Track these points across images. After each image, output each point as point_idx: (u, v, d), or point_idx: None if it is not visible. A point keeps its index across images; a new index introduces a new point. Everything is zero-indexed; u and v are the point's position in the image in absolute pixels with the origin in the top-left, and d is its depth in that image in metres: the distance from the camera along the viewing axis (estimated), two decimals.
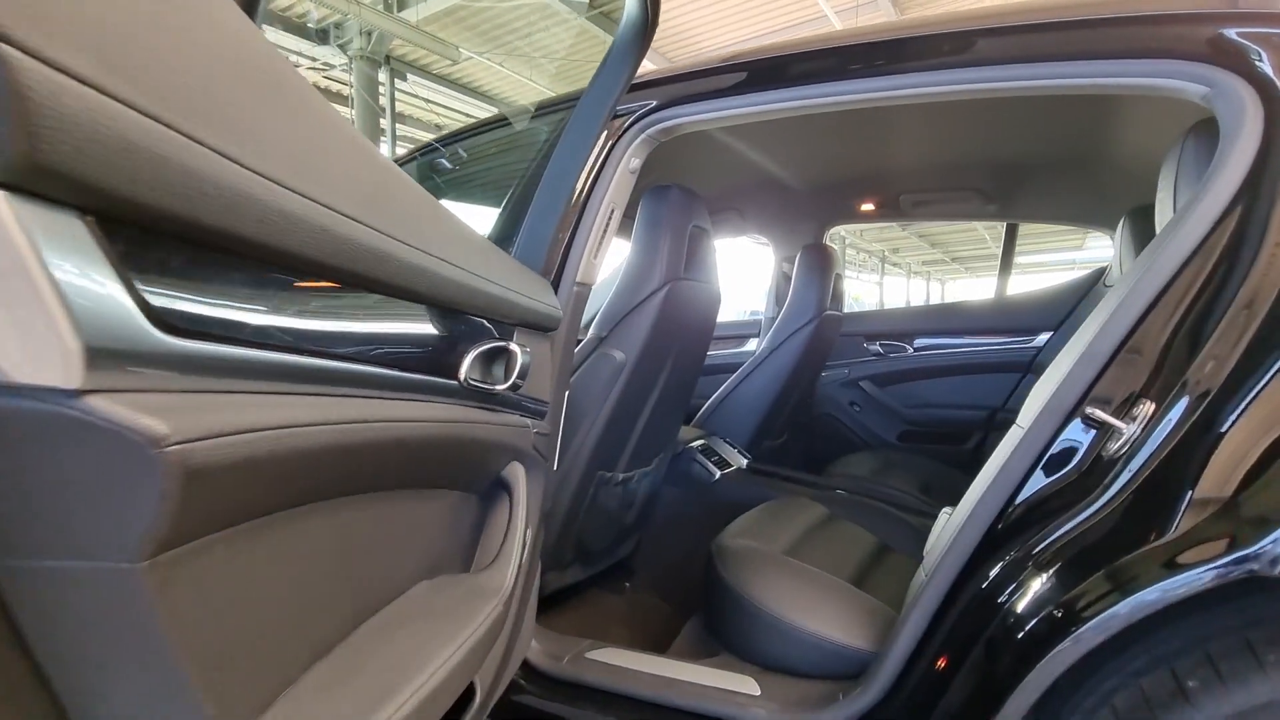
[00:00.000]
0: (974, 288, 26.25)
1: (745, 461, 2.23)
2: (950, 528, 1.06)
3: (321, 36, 7.12)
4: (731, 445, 2.28)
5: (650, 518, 2.04)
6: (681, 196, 1.58)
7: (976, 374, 2.60)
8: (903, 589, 1.49)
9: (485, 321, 0.93)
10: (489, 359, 0.92)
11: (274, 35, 6.90)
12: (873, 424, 2.77)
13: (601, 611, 1.90)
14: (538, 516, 1.13)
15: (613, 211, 1.35)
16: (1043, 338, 2.48)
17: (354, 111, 7.07)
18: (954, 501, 2.22)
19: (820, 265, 2.35)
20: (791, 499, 1.84)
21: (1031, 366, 2.50)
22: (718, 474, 2.08)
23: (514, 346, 0.93)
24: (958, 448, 2.64)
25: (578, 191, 1.29)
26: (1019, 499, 0.96)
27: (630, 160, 1.35)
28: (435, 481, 0.88)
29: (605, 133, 1.32)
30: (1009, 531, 0.97)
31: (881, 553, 1.65)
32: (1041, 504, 0.95)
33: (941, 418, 2.65)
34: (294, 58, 7.28)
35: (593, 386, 1.52)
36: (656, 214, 1.56)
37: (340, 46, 7.18)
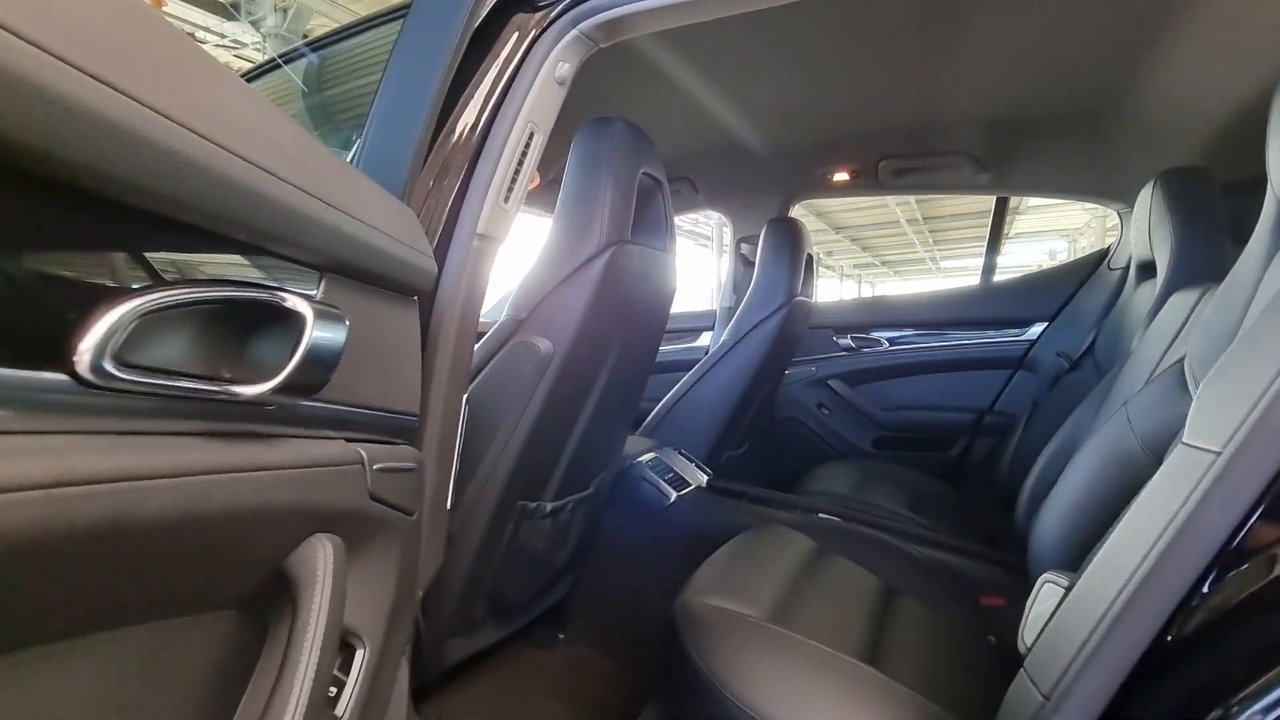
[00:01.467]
0: (903, 289, 26.80)
1: (705, 478, 1.80)
2: (1082, 611, 0.63)
3: (231, 11, 6.40)
4: (688, 459, 1.85)
5: (590, 553, 1.59)
6: (628, 133, 1.14)
7: (961, 371, 2.25)
8: (930, 653, 1.08)
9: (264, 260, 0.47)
10: (246, 332, 0.45)
11: (177, 7, 6.14)
12: (844, 429, 2.39)
13: (527, 676, 1.43)
14: (383, 625, 0.65)
15: (531, 136, 0.90)
16: (1036, 329, 2.14)
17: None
18: (946, 520, 1.85)
19: (790, 241, 1.94)
20: (768, 530, 1.41)
21: (1024, 362, 2.15)
22: (673, 495, 1.64)
23: (298, 303, 0.46)
24: (941, 455, 2.28)
25: (480, 109, 0.85)
26: (1228, 566, 0.55)
27: (557, 66, 0.91)
28: (121, 608, 0.41)
29: (518, 31, 0.89)
30: (1217, 621, 0.56)
31: (889, 600, 1.24)
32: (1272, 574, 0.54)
33: (922, 421, 2.29)
34: (200, 34, 6.53)
35: (508, 389, 1.06)
36: (595, 154, 1.11)
37: (253, 23, 6.48)
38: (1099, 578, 0.62)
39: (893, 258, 19.04)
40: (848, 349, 2.40)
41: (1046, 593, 0.71)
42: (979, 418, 2.21)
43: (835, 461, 2.17)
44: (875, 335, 2.36)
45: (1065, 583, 0.69)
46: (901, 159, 2.00)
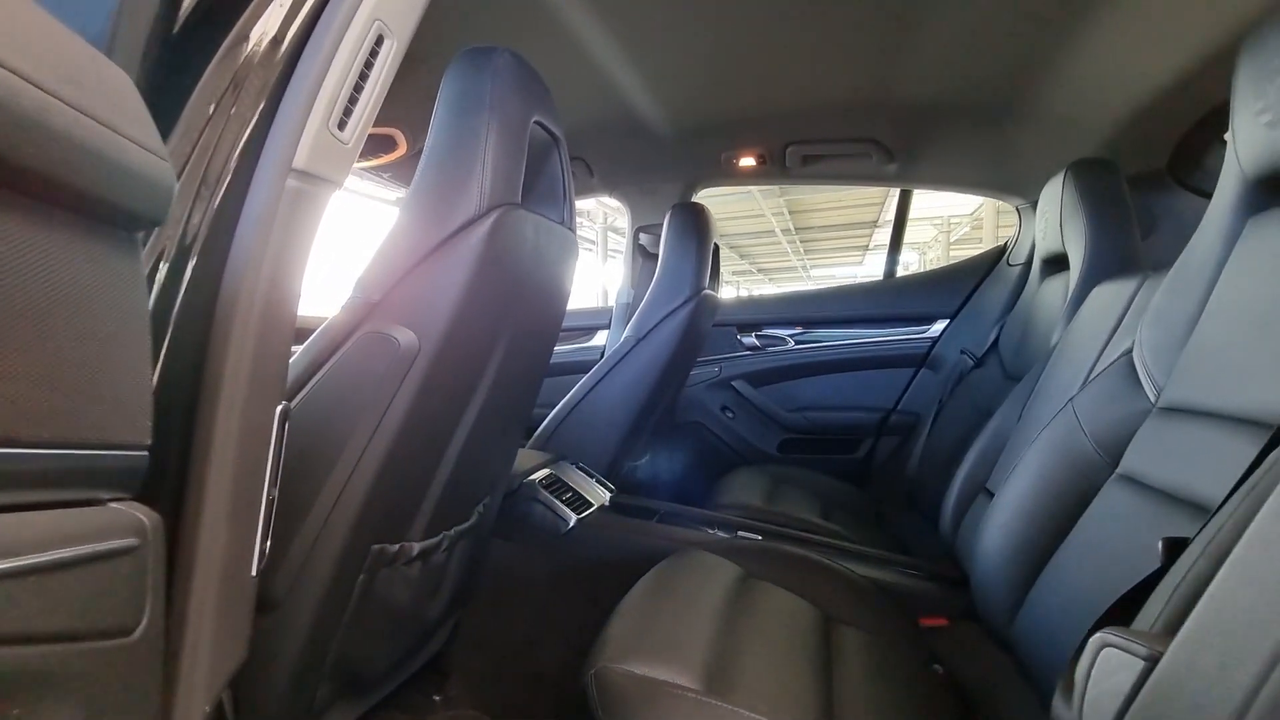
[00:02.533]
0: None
1: (608, 496, 1.56)
2: (1194, 701, 0.42)
3: None
4: (588, 473, 1.60)
5: (473, 592, 1.30)
6: (516, 67, 0.87)
7: (865, 370, 2.14)
8: (884, 699, 0.90)
9: None
10: None
11: None
12: (748, 433, 2.23)
13: None
14: None
15: (380, 41, 0.62)
16: (938, 326, 2.08)
17: None
18: (862, 528, 1.72)
19: (696, 229, 1.75)
20: (687, 558, 1.19)
21: (928, 360, 2.08)
22: (572, 519, 1.39)
23: None
24: (847, 457, 2.17)
25: None
26: None
27: None
28: None
29: None
30: None
31: (829, 632, 1.06)
32: None
33: (827, 422, 2.16)
34: None
35: (354, 395, 0.77)
36: (473, 90, 0.84)
37: None
38: (1214, 652, 0.43)
39: (768, 265, 19.72)
40: (752, 348, 2.24)
41: (1113, 663, 0.52)
42: (884, 417, 2.11)
43: (743, 469, 2.00)
44: (779, 333, 2.22)
45: (1142, 651, 0.49)
46: (809, 145, 1.86)
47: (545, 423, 1.71)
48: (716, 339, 2.25)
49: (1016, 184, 1.86)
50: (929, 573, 1.36)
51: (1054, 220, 1.53)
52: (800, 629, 1.02)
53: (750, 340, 2.24)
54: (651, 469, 2.07)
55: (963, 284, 2.05)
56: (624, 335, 1.73)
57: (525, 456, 1.57)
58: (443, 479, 0.93)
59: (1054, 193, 1.54)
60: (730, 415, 2.25)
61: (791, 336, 2.21)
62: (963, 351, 1.90)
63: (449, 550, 1.05)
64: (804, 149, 1.87)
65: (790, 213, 12.83)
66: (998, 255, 2.02)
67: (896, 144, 1.81)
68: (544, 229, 0.93)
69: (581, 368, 1.84)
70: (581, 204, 8.50)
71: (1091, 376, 1.11)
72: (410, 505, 0.91)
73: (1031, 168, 1.77)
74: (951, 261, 2.12)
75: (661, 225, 1.78)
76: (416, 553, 0.95)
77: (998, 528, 1.08)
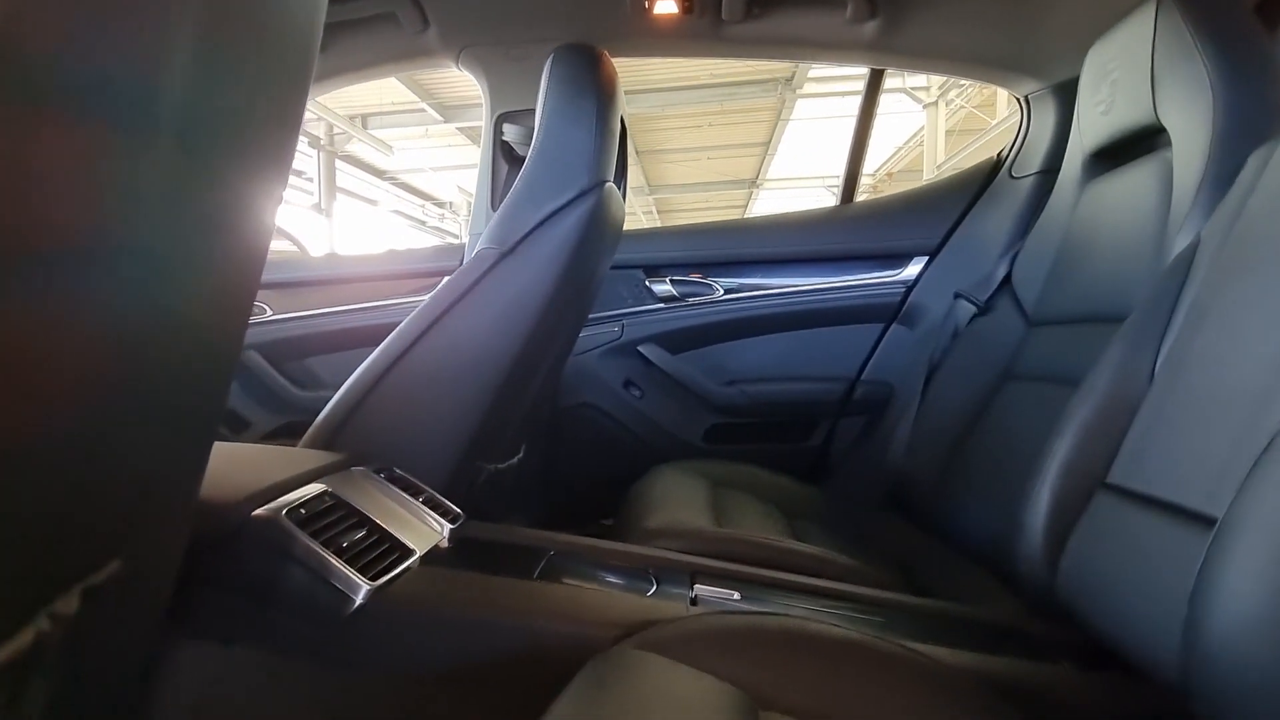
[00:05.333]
0: None
1: (449, 529, 0.81)
2: None
3: None
4: (407, 489, 0.85)
5: None
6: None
7: (820, 327, 1.53)
8: None
9: None
10: None
11: None
12: (664, 417, 1.54)
13: None
14: None
15: None
16: (913, 268, 1.50)
17: None
18: (860, 554, 1.08)
19: (592, 82, 1.04)
20: (625, 664, 0.48)
21: (901, 313, 1.50)
22: (363, 590, 0.63)
23: None
24: (798, 445, 1.55)
25: None
26: None
27: None
28: None
29: None
30: None
31: None
32: None
33: (771, 398, 1.53)
34: None
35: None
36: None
37: None
38: None
39: None
40: (667, 299, 1.56)
41: None
42: (848, 390, 1.50)
43: (663, 470, 1.30)
44: (705, 279, 1.55)
45: None
46: None
47: (333, 404, 0.93)
48: (615, 285, 1.55)
49: (1033, 59, 1.32)
50: (1040, 643, 0.75)
51: (1135, 82, 0.99)
52: None
53: (664, 288, 1.55)
54: (525, 476, 1.32)
55: (945, 210, 1.49)
56: (475, 252, 0.99)
57: (289, 460, 0.80)
58: None
59: (1131, 44, 1.00)
60: (638, 394, 1.55)
61: (720, 283, 1.55)
62: (958, 296, 1.33)
63: None
64: None
65: (659, 212, 12.45)
66: (991, 169, 1.47)
67: None
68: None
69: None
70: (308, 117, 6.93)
71: None
72: None
73: (1056, 34, 1.23)
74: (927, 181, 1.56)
75: (534, 112, 1.06)
76: None
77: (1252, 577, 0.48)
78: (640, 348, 1.54)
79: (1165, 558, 0.67)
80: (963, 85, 7.28)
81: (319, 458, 0.83)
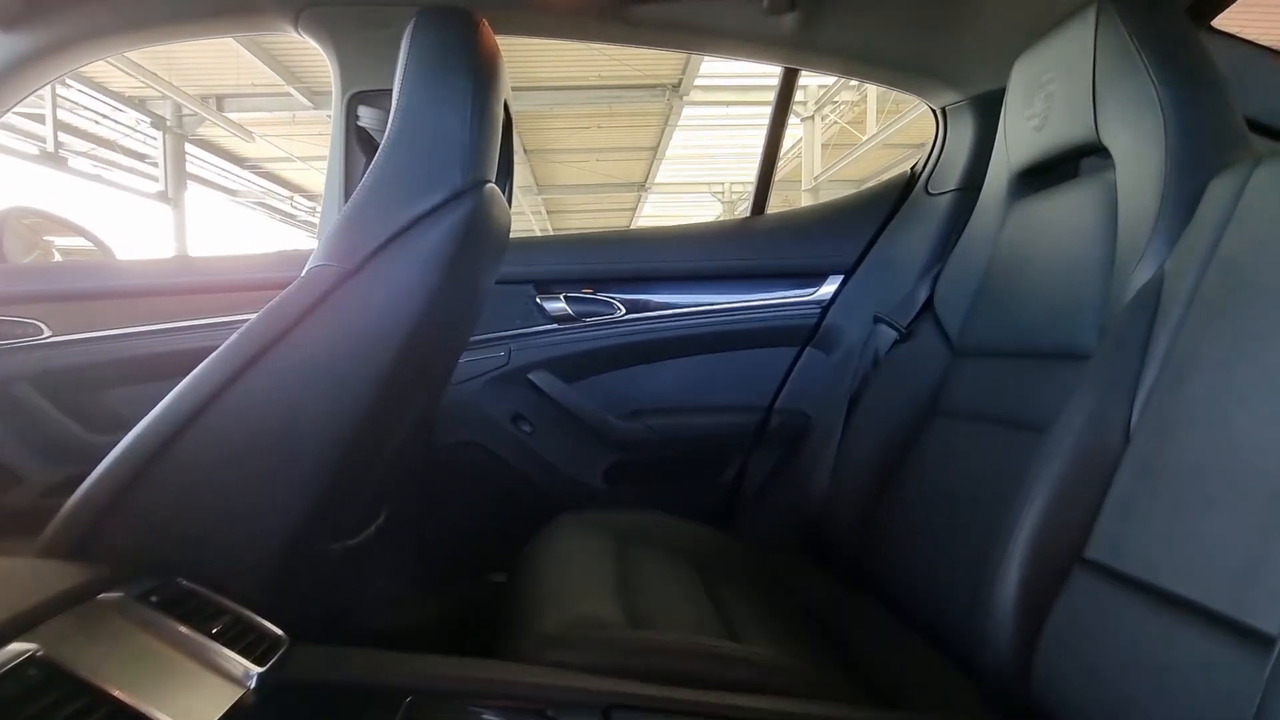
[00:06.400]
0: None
1: (256, 674, 0.56)
2: None
3: None
4: (208, 613, 0.59)
5: None
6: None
7: (730, 351, 1.37)
8: None
9: None
10: None
11: None
12: (559, 455, 1.32)
13: None
14: None
15: None
16: (829, 287, 1.38)
17: None
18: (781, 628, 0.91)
19: (471, 54, 0.80)
20: None
21: (817, 335, 1.37)
22: None
23: None
24: (708, 484, 1.38)
25: None
26: None
27: None
28: None
29: None
30: None
31: None
32: None
33: (678, 431, 1.34)
34: None
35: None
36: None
37: None
38: None
39: None
40: (561, 319, 1.34)
41: None
42: (762, 421, 1.35)
43: (560, 525, 1.08)
44: (604, 296, 1.35)
45: None
46: None
47: (87, 486, 0.64)
48: (501, 303, 1.32)
49: (953, 68, 1.21)
50: None
51: (1074, 96, 0.89)
52: None
53: (557, 306, 1.33)
54: (388, 541, 1.06)
55: (860, 226, 1.37)
56: (306, 270, 0.73)
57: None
58: None
59: (1069, 54, 0.90)
60: (528, 429, 1.32)
61: (622, 300, 1.35)
62: (878, 320, 1.21)
63: None
64: None
65: (548, 213, 12.15)
66: (905, 184, 1.37)
67: None
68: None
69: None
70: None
71: None
72: None
73: (980, 44, 1.14)
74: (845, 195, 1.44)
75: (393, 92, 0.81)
76: None
77: None
78: (530, 375, 1.31)
79: (1189, 671, 0.54)
80: (837, 101, 7.56)
81: (48, 579, 0.55)
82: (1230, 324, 0.63)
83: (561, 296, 1.33)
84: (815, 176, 8.10)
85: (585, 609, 0.78)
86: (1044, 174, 1.02)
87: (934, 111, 1.32)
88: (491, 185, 0.83)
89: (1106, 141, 0.86)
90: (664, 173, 9.77)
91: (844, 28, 1.14)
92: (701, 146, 8.62)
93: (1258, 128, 0.81)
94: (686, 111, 7.36)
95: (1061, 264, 0.91)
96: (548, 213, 12.01)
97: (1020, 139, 1.00)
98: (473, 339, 1.31)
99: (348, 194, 1.17)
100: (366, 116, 1.13)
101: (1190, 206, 0.75)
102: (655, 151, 8.84)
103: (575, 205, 11.79)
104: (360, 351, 0.72)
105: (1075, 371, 0.82)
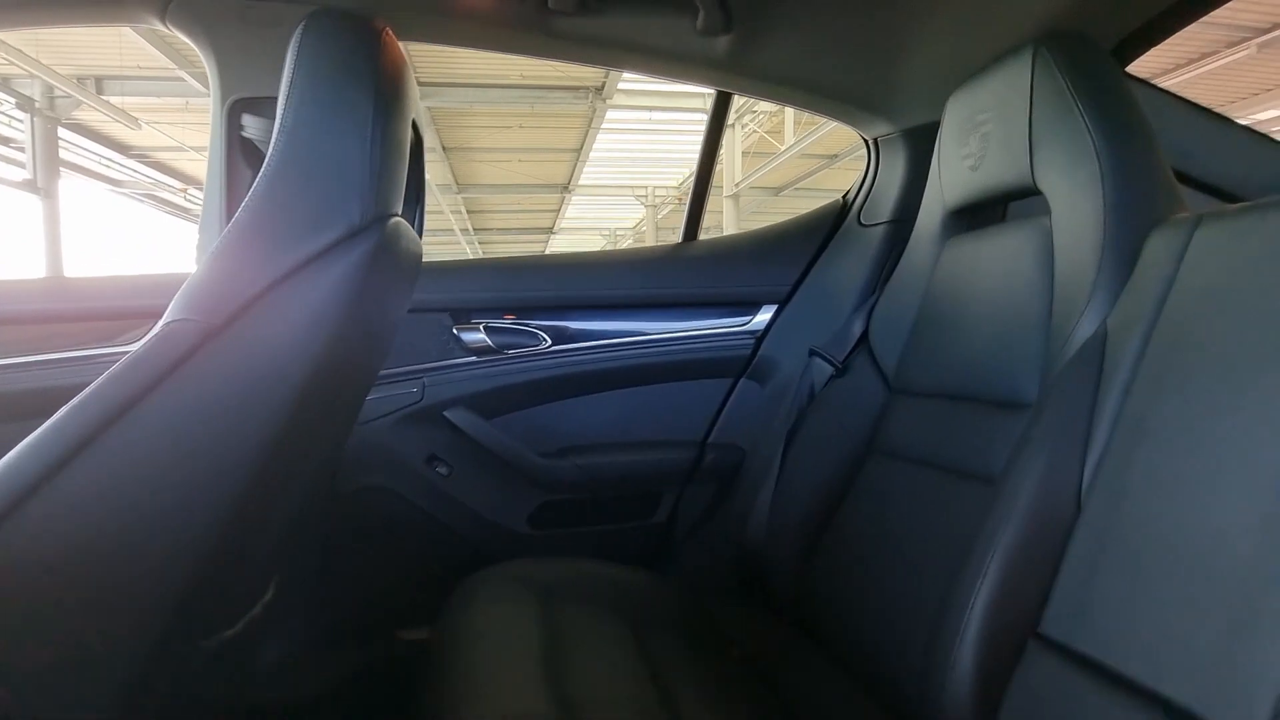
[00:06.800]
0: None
1: None
2: None
3: None
4: None
5: None
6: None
7: (661, 383, 1.30)
8: None
9: None
10: None
11: None
12: (480, 499, 1.21)
13: None
14: None
15: None
16: (763, 316, 1.33)
17: None
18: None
19: (371, 67, 0.69)
20: None
21: (751, 366, 1.32)
22: None
23: None
24: (640, 524, 1.30)
25: None
26: None
27: None
28: None
29: None
30: None
31: None
32: None
33: (608, 470, 1.26)
34: None
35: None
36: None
37: None
38: None
39: None
40: (479, 351, 1.23)
41: None
42: (696, 457, 1.29)
43: (480, 582, 0.97)
44: (528, 325, 1.25)
45: None
46: None
47: None
48: (414, 334, 1.19)
49: (887, 100, 1.19)
50: None
51: (1010, 139, 0.87)
52: None
53: (476, 337, 1.22)
54: (284, 605, 0.92)
55: (793, 254, 1.33)
56: (161, 325, 0.60)
57: None
58: None
59: (1006, 95, 0.88)
60: (444, 471, 1.21)
61: (546, 330, 1.26)
62: (813, 353, 1.17)
63: None
64: None
65: (468, 212, 11.77)
66: (838, 213, 1.34)
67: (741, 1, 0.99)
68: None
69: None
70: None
71: None
72: None
73: (915, 76, 1.11)
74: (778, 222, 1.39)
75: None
76: None
77: None
78: (447, 412, 1.20)
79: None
80: (757, 111, 7.69)
81: None
82: (1180, 392, 0.61)
83: (481, 326, 1.22)
84: (736, 183, 8.22)
85: (510, 705, 0.68)
86: (978, 214, 1.01)
87: (866, 141, 1.30)
88: (397, 219, 0.72)
89: (1042, 187, 0.84)
90: (587, 175, 9.66)
91: (779, 55, 1.09)
92: (625, 150, 8.57)
93: (1179, 177, 0.81)
94: (610, 114, 7.28)
95: (998, 309, 0.89)
96: (468, 212, 11.65)
97: (955, 177, 0.98)
98: (382, 373, 1.18)
99: (229, 215, 1.02)
100: (253, 127, 0.99)
101: (1130, 260, 0.73)
102: (579, 153, 8.72)
103: (496, 205, 11.49)
104: (231, 421, 0.60)
105: (1017, 421, 0.80)
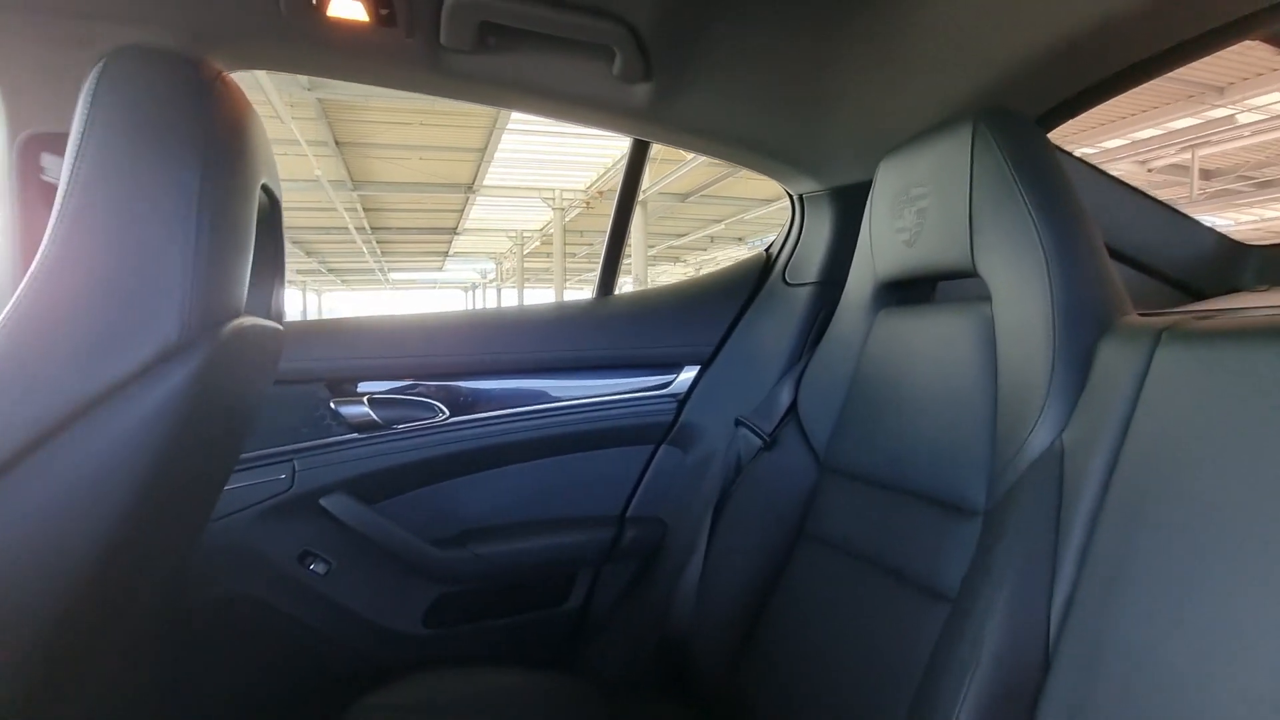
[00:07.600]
0: (353, 300, 24.96)
1: None
2: None
3: None
4: None
5: None
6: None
7: (576, 452, 1.17)
8: None
9: None
10: None
11: None
12: (364, 600, 1.04)
13: None
14: None
15: None
16: (685, 376, 1.23)
17: None
18: None
19: (200, 119, 0.52)
20: None
21: (673, 431, 1.21)
22: None
23: None
24: (549, 611, 1.16)
25: None
26: None
27: None
28: None
29: None
30: None
31: None
32: None
33: (512, 556, 1.12)
34: None
35: None
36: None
37: None
38: None
39: (340, 265, 17.22)
40: (362, 426, 1.05)
41: None
42: (614, 537, 1.17)
43: (368, 705, 0.82)
44: (419, 395, 1.08)
45: None
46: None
47: None
48: (281, 410, 1.00)
49: (812, 157, 1.11)
50: None
51: (949, 220, 0.81)
52: None
53: (357, 411, 1.04)
54: None
55: (716, 312, 1.24)
56: None
57: None
58: None
59: (945, 171, 0.82)
60: (321, 570, 1.02)
61: (438, 399, 1.09)
62: (740, 424, 1.08)
63: None
64: (495, 9, 0.80)
65: (365, 210, 11.09)
66: (761, 268, 1.26)
67: (658, 43, 0.88)
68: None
69: None
70: None
71: None
72: None
73: (843, 135, 1.04)
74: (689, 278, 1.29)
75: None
76: None
77: None
78: (323, 500, 1.01)
79: None
80: None
81: None
82: (1159, 534, 0.55)
83: (364, 399, 1.04)
84: (644, 189, 8.19)
85: None
86: (913, 289, 0.95)
87: (791, 197, 1.22)
88: (236, 322, 0.56)
89: (982, 271, 0.78)
90: (493, 176, 9.31)
91: (700, 106, 0.99)
92: (531, 151, 8.32)
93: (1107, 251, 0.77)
94: (515, 115, 7.03)
95: (936, 398, 0.83)
96: (364, 210, 10.98)
97: (888, 250, 0.91)
98: (243, 456, 0.98)
99: (24, 269, 0.80)
100: (53, 168, 0.77)
101: (1082, 367, 0.68)
102: (483, 153, 8.38)
103: (396, 203, 10.88)
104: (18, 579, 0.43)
105: (965, 530, 0.73)
